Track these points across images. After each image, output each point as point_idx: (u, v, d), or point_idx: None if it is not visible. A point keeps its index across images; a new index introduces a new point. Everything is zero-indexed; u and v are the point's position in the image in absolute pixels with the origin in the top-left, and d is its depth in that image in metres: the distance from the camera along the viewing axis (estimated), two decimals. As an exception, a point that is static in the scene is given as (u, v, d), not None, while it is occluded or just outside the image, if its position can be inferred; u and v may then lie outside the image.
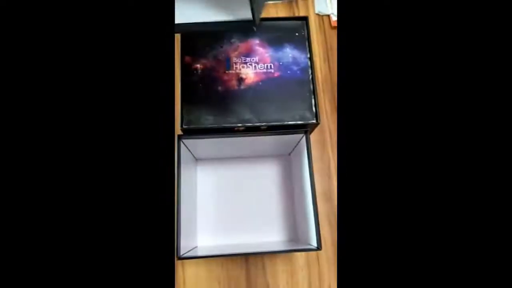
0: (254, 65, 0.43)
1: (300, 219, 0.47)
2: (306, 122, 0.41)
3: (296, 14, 0.61)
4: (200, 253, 0.41)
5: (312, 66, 0.43)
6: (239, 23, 0.33)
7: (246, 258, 0.49)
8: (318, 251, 0.38)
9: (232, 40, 0.44)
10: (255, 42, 0.44)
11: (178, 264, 0.49)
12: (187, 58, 0.43)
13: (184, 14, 0.33)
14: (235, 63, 0.43)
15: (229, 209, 0.51)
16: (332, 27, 0.60)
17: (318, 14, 0.61)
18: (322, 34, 0.60)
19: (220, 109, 0.41)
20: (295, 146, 0.47)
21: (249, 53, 0.43)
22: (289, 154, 0.52)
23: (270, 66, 0.43)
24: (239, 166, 0.52)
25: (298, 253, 0.50)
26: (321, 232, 0.51)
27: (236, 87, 0.42)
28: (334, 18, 0.60)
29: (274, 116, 0.41)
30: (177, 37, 0.46)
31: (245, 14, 0.32)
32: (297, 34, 0.44)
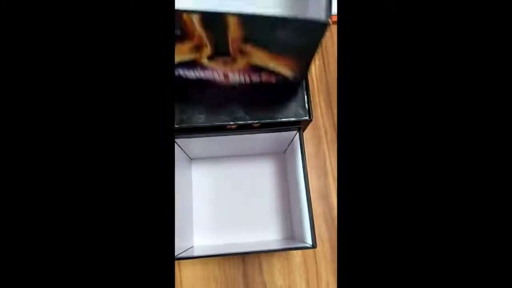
0: (246, 62, 0.42)
1: (295, 217, 0.47)
2: (299, 119, 0.40)
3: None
4: (196, 253, 0.41)
5: (304, 63, 0.43)
6: None
7: (243, 257, 0.49)
8: (315, 249, 0.38)
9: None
10: (247, 39, 0.44)
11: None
12: (179, 57, 0.42)
13: None
14: (227, 61, 0.42)
15: (225, 208, 0.51)
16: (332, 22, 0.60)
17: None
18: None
19: (212, 107, 0.40)
20: (289, 144, 0.47)
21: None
22: (284, 152, 0.52)
23: (262, 63, 0.43)
24: (234, 165, 0.52)
25: (295, 251, 0.49)
26: (318, 230, 0.51)
27: (228, 85, 0.41)
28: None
29: (267, 114, 0.40)
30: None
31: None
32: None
